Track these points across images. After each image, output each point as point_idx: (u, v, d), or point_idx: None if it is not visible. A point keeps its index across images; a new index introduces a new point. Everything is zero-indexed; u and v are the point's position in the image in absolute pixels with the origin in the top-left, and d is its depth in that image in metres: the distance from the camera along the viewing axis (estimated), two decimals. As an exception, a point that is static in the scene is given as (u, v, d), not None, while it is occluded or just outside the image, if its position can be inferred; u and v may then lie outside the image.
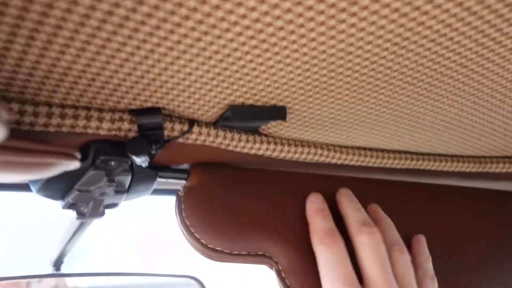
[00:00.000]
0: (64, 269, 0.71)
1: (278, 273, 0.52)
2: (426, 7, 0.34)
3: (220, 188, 0.54)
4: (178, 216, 0.47)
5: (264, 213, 0.54)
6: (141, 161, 0.47)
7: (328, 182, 0.65)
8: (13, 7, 0.30)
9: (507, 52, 0.42)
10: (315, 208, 0.52)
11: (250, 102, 0.49)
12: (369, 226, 0.52)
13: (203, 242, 0.47)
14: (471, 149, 0.71)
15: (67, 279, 0.76)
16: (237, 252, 0.50)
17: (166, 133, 0.50)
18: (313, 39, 0.38)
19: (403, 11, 0.34)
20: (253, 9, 0.33)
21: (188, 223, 0.46)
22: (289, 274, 0.52)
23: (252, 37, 0.36)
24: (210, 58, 0.39)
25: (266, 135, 0.58)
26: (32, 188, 0.48)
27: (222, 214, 0.51)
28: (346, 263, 0.48)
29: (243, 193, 0.55)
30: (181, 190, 0.49)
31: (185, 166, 0.57)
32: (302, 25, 0.35)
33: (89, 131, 0.46)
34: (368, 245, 0.49)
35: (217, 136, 0.54)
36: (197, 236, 0.46)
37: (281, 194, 0.58)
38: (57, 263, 0.66)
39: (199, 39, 0.36)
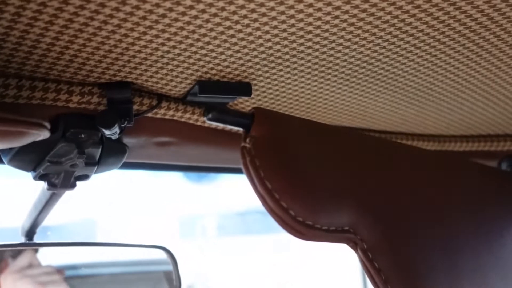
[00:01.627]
0: (36, 240, 0.72)
1: (364, 252, 0.43)
2: None
3: (298, 142, 0.41)
4: (254, 176, 0.35)
5: (347, 178, 0.44)
6: (111, 133, 0.49)
7: (399, 150, 0.54)
8: None
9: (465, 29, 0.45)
10: None
11: (216, 78, 0.51)
12: None
13: (292, 213, 0.35)
14: (430, 128, 0.74)
15: (40, 257, 0.78)
16: (326, 228, 0.40)
17: (135, 107, 0.52)
18: (274, 18, 0.40)
19: None
20: None
21: (270, 186, 0.34)
22: (377, 254, 0.43)
23: (215, 15, 0.38)
24: (175, 34, 0.41)
25: None
26: (3, 159, 0.50)
27: (307, 177, 0.39)
28: None
29: (322, 151, 0.44)
30: (247, 142, 0.37)
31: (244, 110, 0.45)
32: (262, 4, 0.37)
33: (59, 103, 0.48)
34: None
35: (185, 111, 0.56)
36: (284, 205, 0.34)
37: (359, 157, 0.48)
38: (30, 234, 0.68)
39: (164, 15, 0.38)
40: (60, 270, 0.80)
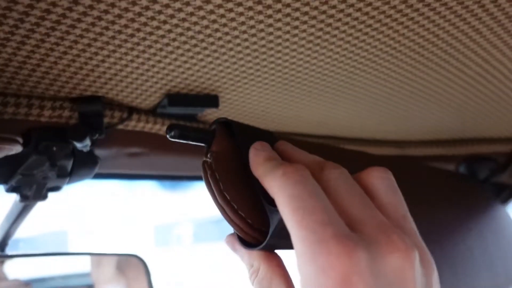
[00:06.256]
0: (8, 252, 0.72)
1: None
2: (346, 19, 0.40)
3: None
4: (214, 188, 0.37)
5: None
6: (82, 146, 0.51)
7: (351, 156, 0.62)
8: None
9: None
10: (264, 156, 0.35)
11: (185, 91, 0.53)
12: (332, 163, 0.34)
13: (249, 221, 0.37)
14: (391, 134, 0.78)
15: (6, 271, 0.76)
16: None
17: (106, 120, 0.54)
18: (236, 36, 0.42)
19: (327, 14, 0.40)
20: (179, 10, 0.37)
21: (229, 197, 0.37)
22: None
23: (181, 34, 0.41)
24: (144, 52, 0.43)
25: (203, 122, 0.62)
26: (-25, 172, 0.51)
27: (249, 187, 0.39)
28: (321, 197, 0.30)
29: None
30: (208, 156, 0.39)
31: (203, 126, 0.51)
32: (225, 24, 0.40)
33: (31, 118, 0.49)
34: (338, 179, 0.32)
35: (155, 123, 0.58)
36: (242, 214, 0.37)
37: None
38: (2, 245, 0.68)
39: (132, 35, 0.40)
40: (27, 283, 0.79)
